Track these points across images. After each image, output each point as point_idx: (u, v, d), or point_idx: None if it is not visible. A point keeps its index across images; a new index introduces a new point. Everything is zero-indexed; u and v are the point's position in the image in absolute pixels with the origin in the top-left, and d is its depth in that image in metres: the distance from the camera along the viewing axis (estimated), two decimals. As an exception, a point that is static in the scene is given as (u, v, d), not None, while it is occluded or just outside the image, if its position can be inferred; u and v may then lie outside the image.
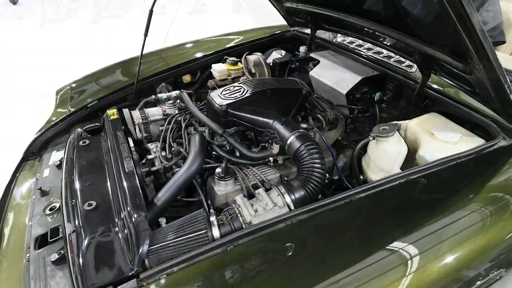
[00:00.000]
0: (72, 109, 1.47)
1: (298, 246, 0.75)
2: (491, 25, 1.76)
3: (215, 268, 0.74)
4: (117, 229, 0.90)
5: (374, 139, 1.06)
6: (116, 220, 0.93)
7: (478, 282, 0.72)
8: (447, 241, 0.73)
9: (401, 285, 0.66)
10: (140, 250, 0.81)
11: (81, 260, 0.82)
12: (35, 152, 1.40)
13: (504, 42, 1.79)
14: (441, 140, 1.00)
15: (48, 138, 1.43)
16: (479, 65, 0.81)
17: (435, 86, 1.19)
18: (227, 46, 1.80)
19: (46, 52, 4.71)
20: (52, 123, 1.45)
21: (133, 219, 0.87)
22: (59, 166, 1.28)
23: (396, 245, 0.72)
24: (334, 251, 0.73)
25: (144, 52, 1.40)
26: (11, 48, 4.94)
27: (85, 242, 0.86)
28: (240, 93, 1.16)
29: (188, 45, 1.87)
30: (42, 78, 3.90)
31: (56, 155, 1.36)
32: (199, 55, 1.74)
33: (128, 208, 0.90)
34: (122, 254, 0.84)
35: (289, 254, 0.73)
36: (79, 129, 1.36)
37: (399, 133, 1.08)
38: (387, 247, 0.71)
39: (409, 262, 0.69)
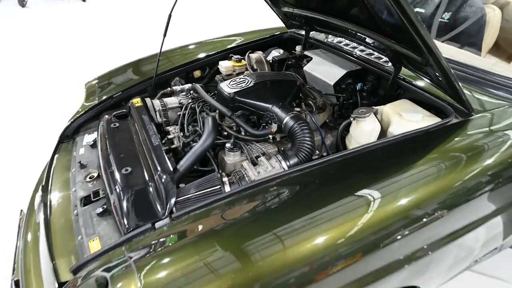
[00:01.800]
0: (100, 99, 1.72)
1: (289, 194, 0.97)
2: (472, 19, 1.99)
3: (227, 209, 0.96)
4: (150, 188, 1.14)
5: (354, 119, 1.31)
6: (149, 181, 1.16)
7: (424, 219, 0.94)
8: (405, 188, 0.94)
9: (362, 219, 0.86)
10: (169, 202, 1.05)
11: (124, 207, 1.05)
12: (69, 135, 1.63)
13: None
14: (407, 119, 1.24)
15: (79, 124, 1.66)
16: (430, 58, 1.05)
17: (407, 78, 1.43)
18: (232, 45, 2.04)
19: (53, 55, 4.94)
20: (83, 111, 1.69)
21: (163, 180, 1.10)
22: (92, 146, 1.51)
23: (362, 192, 0.92)
24: (316, 197, 0.94)
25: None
26: (19, 51, 5.15)
27: (126, 196, 1.09)
28: (245, 83, 1.40)
29: (198, 45, 2.11)
30: (48, 82, 4.16)
31: (88, 137, 1.59)
32: (208, 53, 1.98)
33: (158, 172, 1.14)
34: (155, 205, 1.08)
35: (283, 199, 0.96)
36: (106, 116, 1.60)
37: (375, 115, 1.32)
38: (355, 194, 0.92)
39: (371, 203, 0.90)
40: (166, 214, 1.02)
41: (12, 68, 4.59)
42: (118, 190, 1.12)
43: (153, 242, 0.89)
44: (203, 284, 0.75)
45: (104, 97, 1.71)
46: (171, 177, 1.11)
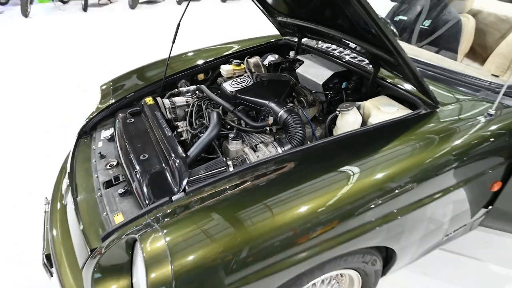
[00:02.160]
0: (114, 99, 1.91)
1: (282, 171, 1.14)
2: (447, 26, 2.23)
3: (231, 184, 1.13)
4: (166, 172, 1.32)
5: (339, 112, 1.51)
6: (164, 166, 1.35)
7: (396, 191, 1.14)
8: (379, 165, 1.14)
9: (343, 190, 1.05)
10: (183, 182, 1.24)
11: (144, 187, 1.24)
12: (87, 131, 1.82)
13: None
14: (384, 112, 1.44)
15: (96, 122, 1.85)
16: (398, 58, 1.26)
17: (385, 77, 1.65)
18: (232, 51, 2.26)
19: (55, 62, 5.13)
20: (98, 111, 1.88)
21: (176, 164, 1.30)
22: (110, 140, 1.69)
23: (343, 168, 1.12)
24: (304, 173, 1.12)
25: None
26: (22, 58, 5.31)
27: (145, 177, 1.28)
28: (245, 83, 1.61)
29: (202, 51, 2.32)
30: (50, 86, 4.34)
31: (105, 133, 1.78)
32: (210, 58, 2.19)
33: (172, 157, 1.33)
34: (171, 184, 1.26)
35: (277, 176, 1.15)
36: (121, 114, 1.79)
37: (358, 110, 1.53)
38: (337, 170, 1.11)
39: (351, 177, 1.11)
40: (181, 190, 1.21)
41: (15, 73, 4.78)
42: (138, 173, 1.31)
43: (171, 210, 1.08)
44: (214, 240, 0.94)
45: (118, 98, 1.90)
46: (183, 161, 1.30)
